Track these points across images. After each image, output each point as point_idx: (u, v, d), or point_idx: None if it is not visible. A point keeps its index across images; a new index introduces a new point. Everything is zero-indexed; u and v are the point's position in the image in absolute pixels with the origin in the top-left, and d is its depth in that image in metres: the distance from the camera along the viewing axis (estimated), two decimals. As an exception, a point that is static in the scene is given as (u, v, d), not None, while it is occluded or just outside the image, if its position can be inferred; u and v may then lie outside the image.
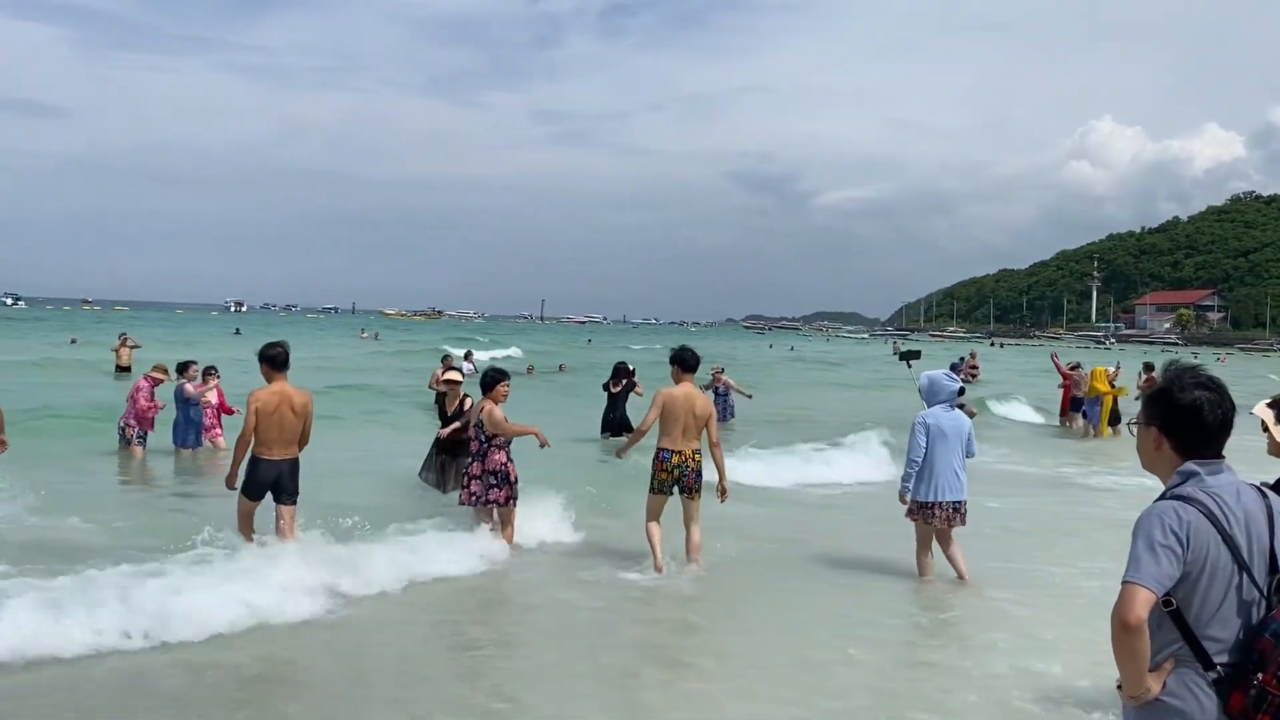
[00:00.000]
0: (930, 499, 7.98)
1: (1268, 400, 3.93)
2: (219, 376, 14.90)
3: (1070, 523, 11.26)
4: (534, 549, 9.07)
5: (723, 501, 8.57)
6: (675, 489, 8.38)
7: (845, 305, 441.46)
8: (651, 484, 8.43)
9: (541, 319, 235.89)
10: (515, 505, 8.97)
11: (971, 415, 8.98)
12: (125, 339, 29.00)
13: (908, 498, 8.09)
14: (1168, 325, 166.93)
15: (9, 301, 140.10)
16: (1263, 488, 2.96)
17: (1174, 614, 2.76)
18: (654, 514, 8.44)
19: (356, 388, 25.20)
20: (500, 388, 8.93)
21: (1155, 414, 2.92)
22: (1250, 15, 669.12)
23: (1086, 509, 12.28)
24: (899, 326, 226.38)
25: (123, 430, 14.00)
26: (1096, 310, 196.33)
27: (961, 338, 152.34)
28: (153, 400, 14.02)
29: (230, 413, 14.41)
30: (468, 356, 26.98)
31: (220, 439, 14.50)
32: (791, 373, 45.20)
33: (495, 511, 8.86)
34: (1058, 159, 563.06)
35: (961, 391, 8.28)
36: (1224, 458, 2.90)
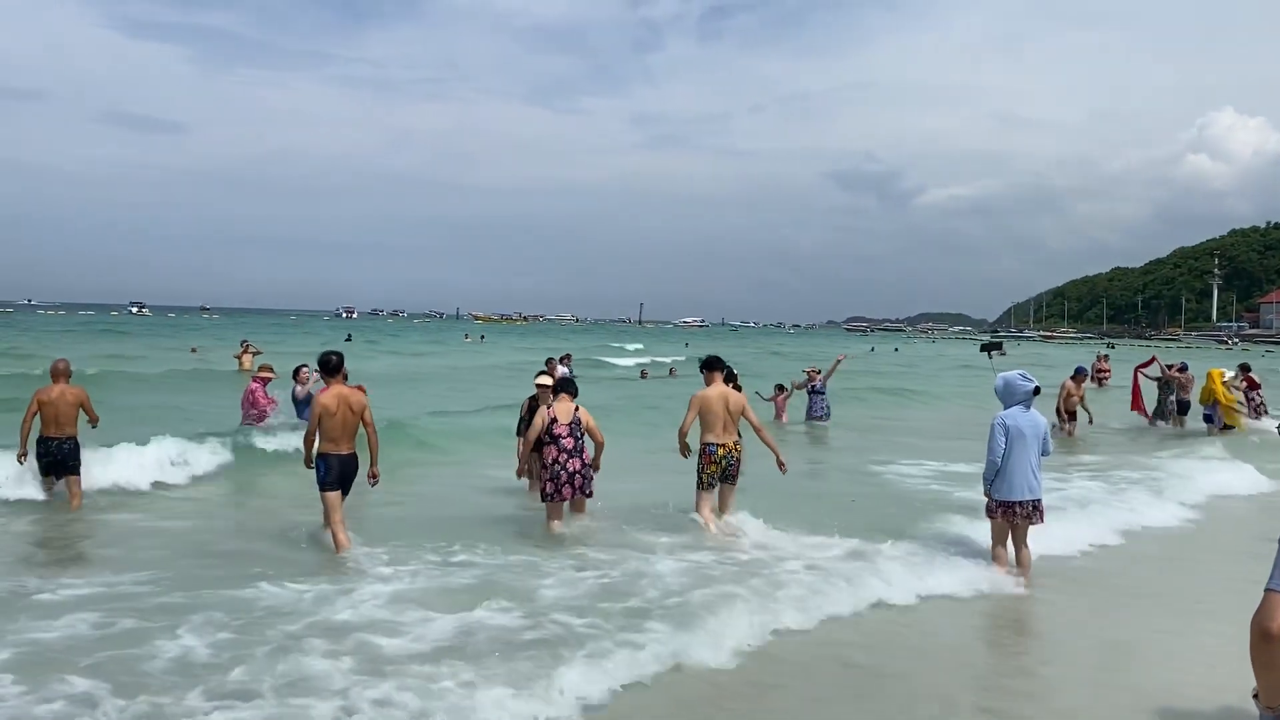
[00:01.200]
0: (1011, 498, 8.15)
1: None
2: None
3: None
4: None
5: (784, 473, 9.68)
6: (721, 479, 9.46)
7: (950, 306, 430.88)
8: (700, 479, 9.43)
9: (640, 322, 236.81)
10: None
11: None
12: (247, 346, 29.50)
13: (992, 497, 8.25)
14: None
15: (134, 310, 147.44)
16: None
17: None
18: (704, 505, 9.41)
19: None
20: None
21: None
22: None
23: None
24: (1007, 327, 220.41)
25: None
26: (1218, 309, 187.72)
27: (1073, 338, 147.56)
28: (270, 398, 14.88)
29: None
30: (564, 360, 27.43)
31: None
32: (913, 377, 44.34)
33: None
34: (1174, 153, 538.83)
35: (1037, 391, 8.34)
36: None
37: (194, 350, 45.80)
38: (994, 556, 8.36)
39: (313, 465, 8.74)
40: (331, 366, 8.77)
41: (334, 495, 8.62)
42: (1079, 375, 20.12)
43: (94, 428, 10.65)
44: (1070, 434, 18.80)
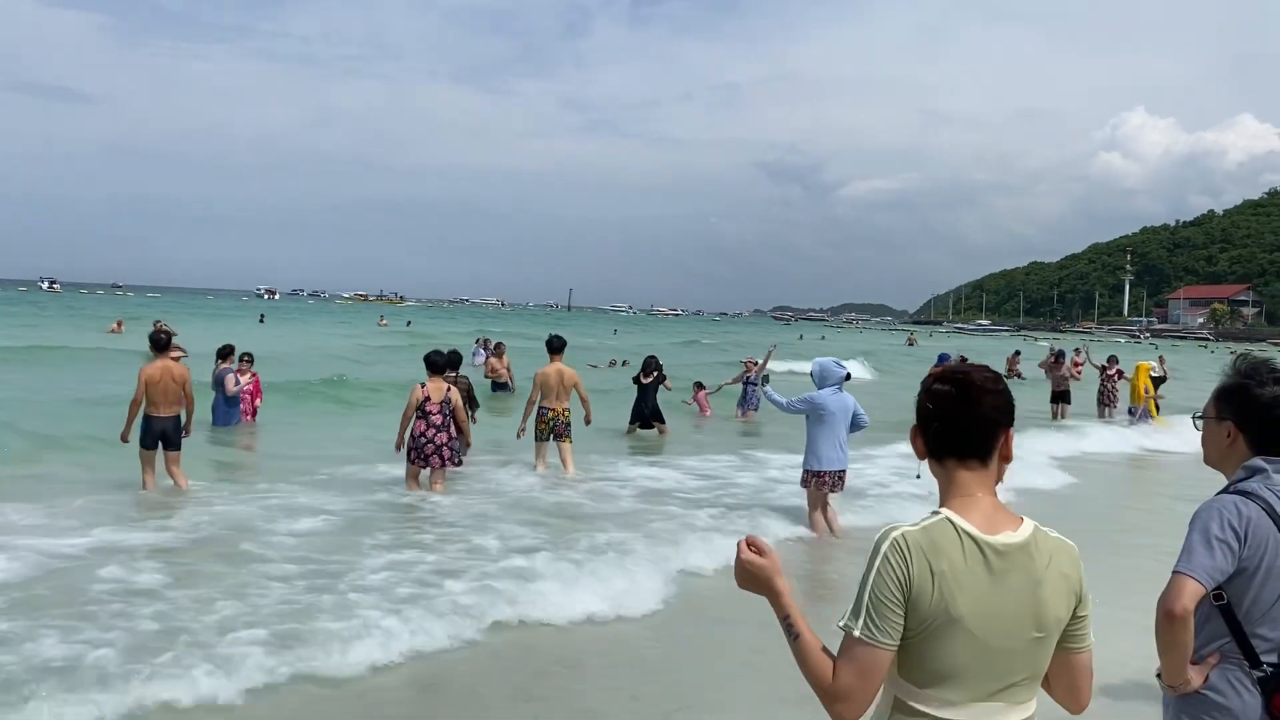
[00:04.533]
0: (821, 469, 9.41)
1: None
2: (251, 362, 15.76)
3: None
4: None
5: (588, 424, 12.71)
6: (551, 436, 12.10)
7: (873, 297, 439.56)
8: (537, 433, 12.18)
9: (569, 308, 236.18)
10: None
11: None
12: (159, 325, 28.75)
13: (805, 469, 9.47)
14: (1201, 320, 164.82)
15: (44, 285, 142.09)
16: None
17: (1224, 609, 2.74)
18: (540, 455, 12.20)
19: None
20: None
21: (1230, 409, 2.88)
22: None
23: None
24: (927, 319, 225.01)
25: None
26: (1129, 304, 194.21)
27: (989, 330, 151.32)
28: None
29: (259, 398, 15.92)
30: (497, 348, 27.37)
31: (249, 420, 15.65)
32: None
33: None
34: (1088, 151, 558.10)
35: (848, 376, 9.66)
36: None
37: (117, 327, 44.40)
38: (811, 521, 9.55)
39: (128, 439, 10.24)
40: (160, 344, 10.55)
41: (149, 452, 10.22)
42: (1059, 359, 22.19)
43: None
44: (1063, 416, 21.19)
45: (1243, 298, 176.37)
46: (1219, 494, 2.81)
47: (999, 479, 2.17)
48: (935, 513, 2.14)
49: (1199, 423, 3.01)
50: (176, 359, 14.33)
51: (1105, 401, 22.41)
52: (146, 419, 10.14)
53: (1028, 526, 2.13)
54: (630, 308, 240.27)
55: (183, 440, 10.40)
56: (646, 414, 17.05)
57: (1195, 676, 2.75)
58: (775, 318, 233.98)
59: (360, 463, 12.19)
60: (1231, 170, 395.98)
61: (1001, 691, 2.09)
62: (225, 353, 15.48)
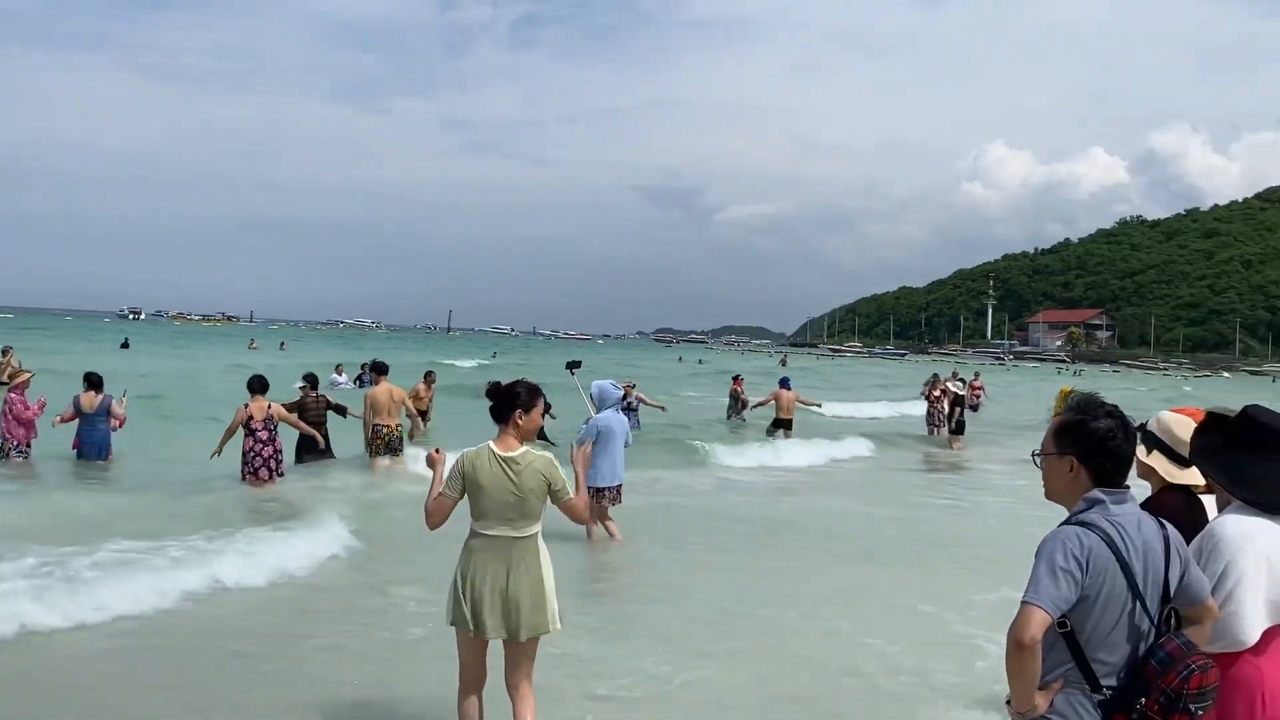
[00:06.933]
0: (601, 485, 10.01)
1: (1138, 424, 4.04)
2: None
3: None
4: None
5: (411, 439, 14.33)
6: (387, 451, 13.36)
7: (753, 319, 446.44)
8: (370, 450, 13.35)
9: (449, 330, 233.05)
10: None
11: None
12: (8, 352, 27.18)
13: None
14: (1059, 343, 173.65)
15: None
16: (1162, 520, 3.03)
17: (1067, 636, 2.81)
18: (377, 469, 13.25)
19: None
20: None
21: (1071, 444, 2.96)
22: (1132, 44, 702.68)
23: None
24: (803, 341, 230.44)
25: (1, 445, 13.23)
26: (992, 328, 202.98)
27: (860, 353, 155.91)
28: (32, 406, 13.36)
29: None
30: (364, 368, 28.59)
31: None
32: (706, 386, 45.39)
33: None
34: (953, 180, 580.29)
35: (624, 397, 10.49)
36: (1128, 488, 2.96)
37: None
38: (589, 532, 9.84)
39: None
40: None
41: None
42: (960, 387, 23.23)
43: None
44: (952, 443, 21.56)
45: (1096, 321, 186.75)
46: (1061, 525, 2.89)
47: (524, 437, 4.72)
48: (486, 444, 4.69)
49: (1039, 460, 3.07)
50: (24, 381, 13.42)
51: (934, 422, 23.48)
52: None
53: (526, 449, 4.69)
54: (512, 329, 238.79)
55: None
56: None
57: (1041, 702, 2.82)
58: (657, 340, 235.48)
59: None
60: (1084, 200, 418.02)
61: (509, 522, 4.59)
62: (97, 381, 13.59)
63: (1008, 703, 2.89)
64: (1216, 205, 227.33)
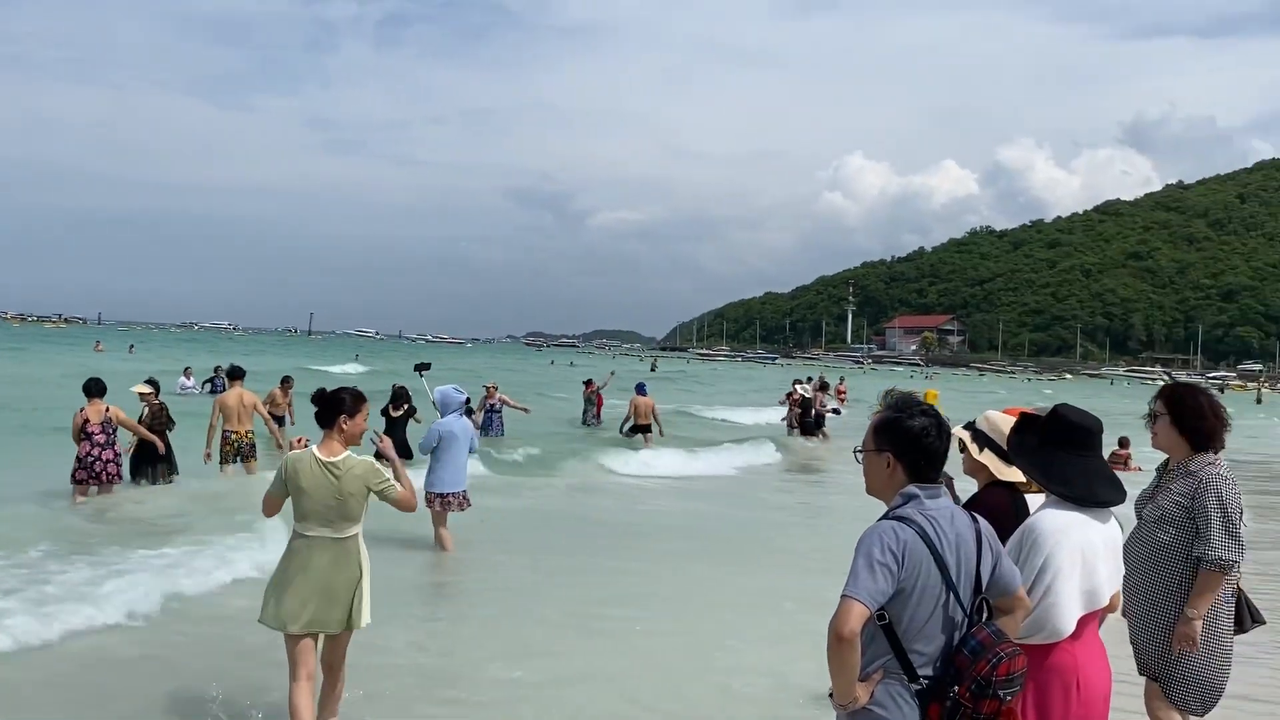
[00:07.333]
0: (445, 490, 9.90)
1: (964, 424, 4.19)
2: None
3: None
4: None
5: (280, 448, 13.01)
6: (237, 458, 12.87)
7: (624, 324, 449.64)
8: (222, 455, 12.85)
9: (310, 333, 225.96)
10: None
11: None
12: None
13: (429, 490, 9.76)
14: (914, 347, 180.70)
15: None
16: (975, 514, 3.13)
17: (886, 628, 2.88)
18: (227, 475, 12.78)
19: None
20: None
21: (888, 440, 3.04)
22: (984, 64, 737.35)
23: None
24: (674, 346, 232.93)
25: None
26: (852, 333, 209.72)
27: (727, 356, 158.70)
28: None
29: None
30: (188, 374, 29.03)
31: None
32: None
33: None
34: (815, 190, 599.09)
35: (468, 402, 10.25)
36: (941, 482, 3.05)
37: None
38: (437, 536, 9.92)
39: None
40: None
41: None
42: (823, 388, 24.70)
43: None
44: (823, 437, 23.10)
45: (949, 327, 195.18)
46: (879, 520, 2.95)
47: (349, 441, 4.92)
48: (309, 448, 4.87)
49: (859, 456, 3.15)
50: None
51: (792, 424, 24.55)
52: None
53: (349, 454, 4.84)
54: (377, 333, 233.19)
55: None
56: (395, 447, 16.44)
57: (862, 693, 2.87)
58: (528, 344, 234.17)
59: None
60: (937, 211, 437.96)
61: (330, 524, 4.74)
62: None
63: (830, 695, 2.94)
64: (1059, 217, 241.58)
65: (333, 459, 4.79)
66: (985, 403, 29.77)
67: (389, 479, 4.89)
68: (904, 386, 24.56)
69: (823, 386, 25.89)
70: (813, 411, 23.83)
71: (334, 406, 4.88)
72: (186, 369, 29.62)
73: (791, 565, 9.91)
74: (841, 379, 38.94)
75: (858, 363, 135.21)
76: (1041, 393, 65.20)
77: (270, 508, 4.94)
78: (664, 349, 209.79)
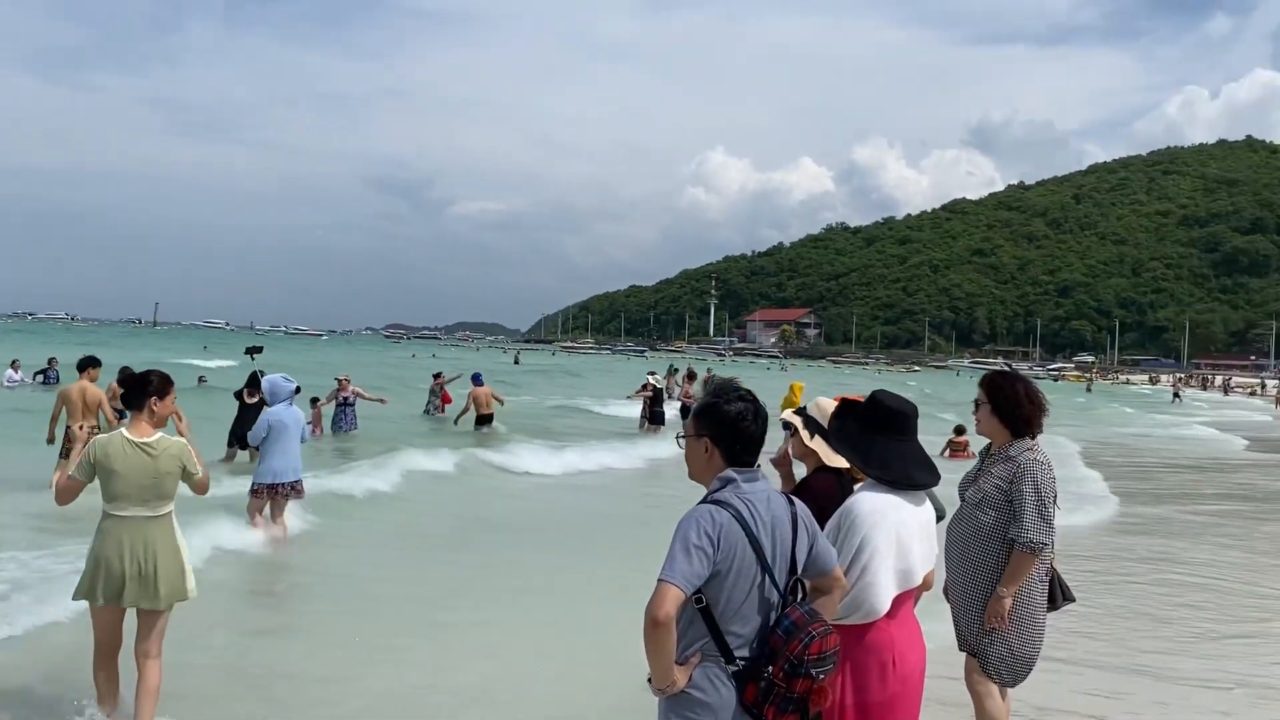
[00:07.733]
0: (275, 481, 9.72)
1: (795, 408, 4.28)
2: None
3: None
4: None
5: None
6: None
7: (488, 316, 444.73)
8: (62, 450, 11.72)
9: (155, 324, 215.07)
10: None
11: None
12: None
13: (258, 481, 9.74)
14: (774, 340, 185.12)
15: None
16: (791, 496, 3.19)
17: (704, 611, 2.90)
18: (62, 470, 11.43)
19: None
20: None
21: (705, 425, 3.06)
22: (840, 64, 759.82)
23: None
24: (539, 338, 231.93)
25: None
26: (714, 325, 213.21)
27: (593, 348, 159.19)
28: None
29: None
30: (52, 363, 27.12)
31: None
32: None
33: None
34: (678, 184, 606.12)
35: (298, 390, 10.18)
36: (759, 466, 3.09)
37: None
38: (259, 525, 9.71)
39: None
40: None
41: None
42: (691, 377, 24.85)
43: None
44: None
45: (806, 320, 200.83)
46: (698, 504, 2.97)
47: (158, 423, 4.97)
48: (119, 431, 4.94)
49: (681, 442, 3.18)
50: None
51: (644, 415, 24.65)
52: None
53: (161, 435, 4.92)
54: (227, 324, 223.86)
55: None
56: (243, 437, 15.58)
57: (680, 677, 2.89)
58: (389, 336, 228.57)
59: None
60: (795, 207, 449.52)
61: (145, 503, 4.81)
62: None
63: (649, 681, 2.93)
64: (909, 214, 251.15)
65: (146, 440, 4.88)
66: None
67: (198, 464, 5.04)
68: (766, 379, 25.15)
69: (690, 376, 26.18)
70: (662, 402, 24.31)
71: (142, 388, 4.96)
72: (14, 361, 27.96)
73: (643, 557, 9.97)
74: (709, 369, 39.55)
75: (719, 355, 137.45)
76: (906, 383, 67.65)
77: (69, 495, 4.95)
78: (529, 341, 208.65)
